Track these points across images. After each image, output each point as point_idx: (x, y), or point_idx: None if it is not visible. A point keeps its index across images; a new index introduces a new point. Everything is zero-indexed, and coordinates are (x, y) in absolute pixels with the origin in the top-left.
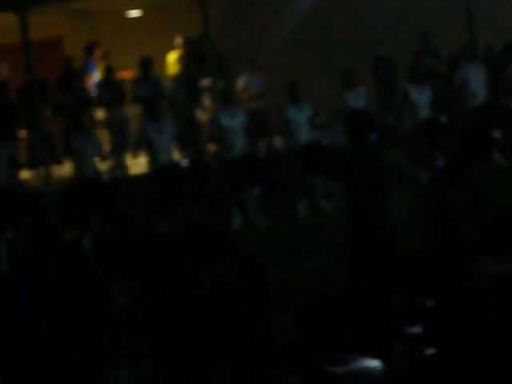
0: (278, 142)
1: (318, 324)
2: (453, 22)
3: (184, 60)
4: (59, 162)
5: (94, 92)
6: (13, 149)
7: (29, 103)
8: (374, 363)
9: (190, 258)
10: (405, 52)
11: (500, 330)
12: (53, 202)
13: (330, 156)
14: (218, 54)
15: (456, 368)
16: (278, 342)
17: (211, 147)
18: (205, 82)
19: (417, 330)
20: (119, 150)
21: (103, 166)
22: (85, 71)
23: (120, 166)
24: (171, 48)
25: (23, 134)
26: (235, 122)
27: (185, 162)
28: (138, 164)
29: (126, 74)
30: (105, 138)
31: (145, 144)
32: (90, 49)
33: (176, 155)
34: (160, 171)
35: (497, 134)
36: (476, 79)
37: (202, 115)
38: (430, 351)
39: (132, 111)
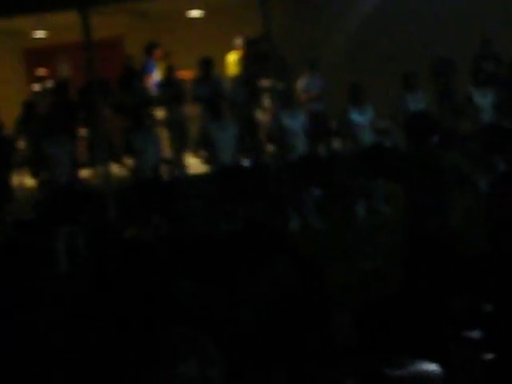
0: (338, 143)
1: (376, 326)
2: None
3: (244, 60)
4: (118, 161)
5: (154, 91)
6: (73, 147)
7: (89, 102)
8: (431, 367)
9: (249, 258)
10: (466, 54)
11: None
12: (111, 201)
13: (391, 158)
14: (278, 54)
15: None
16: (337, 343)
17: (271, 148)
18: (265, 83)
19: (475, 334)
20: (179, 148)
21: (163, 164)
22: (145, 71)
23: (179, 165)
24: (231, 48)
25: (83, 132)
26: (296, 123)
27: (246, 162)
28: (197, 163)
29: (186, 74)
30: (164, 138)
31: (207, 143)
32: (150, 49)
33: (237, 155)
34: (220, 171)
35: None
36: None
37: (261, 116)
38: (489, 356)
39: (191, 111)
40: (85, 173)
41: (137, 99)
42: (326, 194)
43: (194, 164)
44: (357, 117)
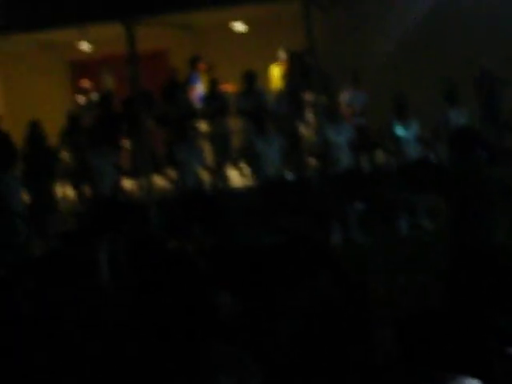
0: (382, 157)
1: (418, 340)
2: None
3: (287, 74)
4: (161, 173)
5: (197, 104)
6: (116, 158)
7: (133, 114)
8: (473, 383)
9: (292, 271)
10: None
11: None
12: (154, 212)
13: (435, 172)
14: (321, 68)
15: None
16: (378, 358)
17: (314, 161)
18: (308, 97)
19: None
20: (222, 161)
21: (206, 177)
22: (189, 83)
23: (222, 177)
24: (275, 61)
25: (127, 144)
26: (341, 137)
27: (289, 176)
28: (239, 176)
29: (230, 87)
30: (207, 150)
31: (251, 156)
32: (194, 62)
33: (280, 169)
34: (263, 184)
35: None
36: None
37: (304, 129)
38: None
39: (234, 124)
40: (128, 184)
41: (180, 111)
42: (368, 208)
43: (237, 177)
44: (401, 131)
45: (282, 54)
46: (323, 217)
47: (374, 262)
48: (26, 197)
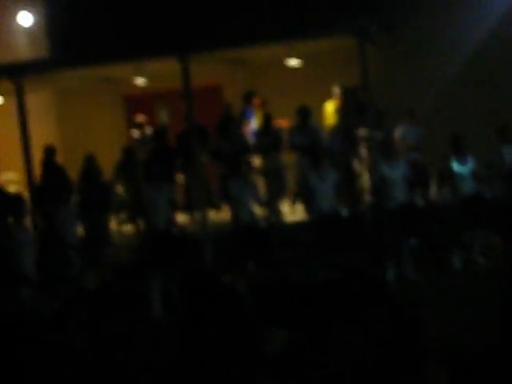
0: (436, 193)
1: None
2: None
3: (341, 109)
4: (216, 207)
5: (251, 139)
6: (171, 193)
7: (187, 149)
8: None
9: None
10: None
11: None
12: (208, 246)
13: (491, 209)
14: (375, 103)
15: None
16: None
17: (368, 196)
18: (362, 132)
19: None
20: (275, 196)
21: (260, 212)
22: (243, 118)
23: (276, 212)
24: (329, 97)
25: (181, 178)
26: (396, 172)
27: (344, 212)
28: (293, 211)
29: (283, 123)
30: (261, 185)
31: (305, 191)
32: (248, 97)
33: (334, 204)
34: (318, 219)
35: None
36: None
37: (358, 165)
38: None
39: (288, 159)
40: (182, 218)
41: (234, 146)
42: (422, 244)
43: (291, 212)
44: (458, 166)
45: (336, 90)
46: (377, 252)
47: (427, 298)
48: (80, 230)
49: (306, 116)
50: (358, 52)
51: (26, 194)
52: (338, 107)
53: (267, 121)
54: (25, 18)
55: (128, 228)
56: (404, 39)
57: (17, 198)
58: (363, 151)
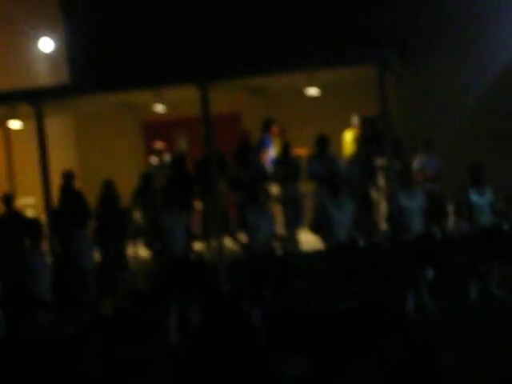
0: (454, 223)
1: None
2: None
3: (360, 139)
4: (232, 235)
5: (269, 167)
6: (188, 220)
7: (205, 176)
8: None
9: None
10: None
11: None
12: (224, 274)
13: (510, 241)
14: (394, 133)
15: None
16: None
17: (385, 226)
18: (379, 162)
19: None
20: (293, 225)
21: (276, 241)
22: (261, 146)
23: (293, 241)
24: (348, 126)
25: (199, 205)
26: (414, 203)
27: (361, 241)
28: (310, 240)
29: (302, 151)
30: (278, 213)
31: (323, 220)
32: (267, 125)
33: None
34: (335, 248)
35: None
36: None
37: (376, 195)
38: None
39: (306, 188)
40: (198, 245)
41: (252, 174)
42: (439, 275)
43: (308, 241)
44: (476, 198)
45: (355, 120)
46: (394, 282)
47: (444, 329)
48: (97, 255)
49: (325, 145)
50: (377, 82)
51: (43, 218)
52: (356, 136)
53: (286, 149)
54: (46, 44)
55: (145, 254)
56: (423, 71)
57: (34, 222)
58: (381, 181)
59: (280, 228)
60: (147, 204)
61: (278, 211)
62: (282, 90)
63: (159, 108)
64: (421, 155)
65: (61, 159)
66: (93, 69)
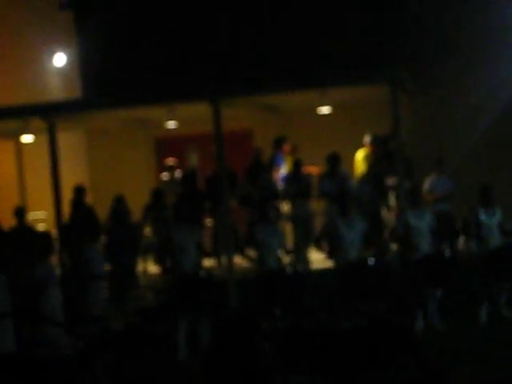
0: (463, 244)
1: None
2: None
3: (371, 158)
4: (242, 252)
5: (280, 185)
6: (199, 236)
7: (216, 193)
8: None
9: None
10: None
11: None
12: (234, 291)
13: None
14: (405, 153)
15: None
16: None
17: (395, 245)
18: (390, 181)
19: None
20: (303, 243)
21: (286, 258)
22: (273, 164)
23: (303, 259)
24: (359, 145)
25: (209, 222)
26: (423, 222)
27: (371, 260)
28: (320, 258)
29: (313, 170)
30: (289, 231)
31: (332, 238)
32: (279, 142)
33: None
34: (344, 266)
35: None
36: None
37: (386, 214)
38: None
39: (317, 206)
40: (208, 262)
41: (263, 192)
42: (448, 295)
43: (318, 259)
44: (485, 218)
45: (367, 138)
46: (403, 302)
47: (453, 350)
48: (107, 269)
49: (336, 163)
50: (390, 101)
51: (54, 233)
52: (367, 155)
53: (297, 167)
54: (58, 59)
55: (154, 269)
56: (435, 90)
57: (44, 236)
58: (392, 200)
59: (290, 246)
60: (158, 220)
61: (288, 229)
62: (295, 109)
63: (171, 124)
64: (432, 175)
65: (72, 174)
66: (105, 84)
